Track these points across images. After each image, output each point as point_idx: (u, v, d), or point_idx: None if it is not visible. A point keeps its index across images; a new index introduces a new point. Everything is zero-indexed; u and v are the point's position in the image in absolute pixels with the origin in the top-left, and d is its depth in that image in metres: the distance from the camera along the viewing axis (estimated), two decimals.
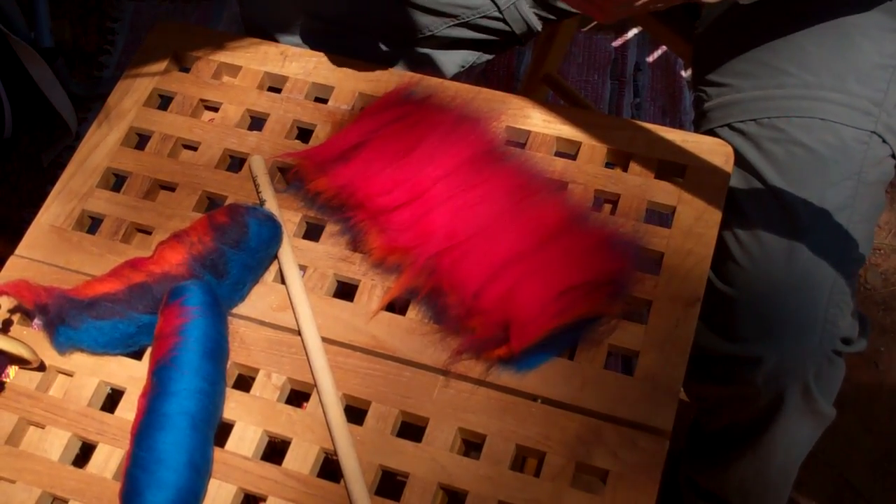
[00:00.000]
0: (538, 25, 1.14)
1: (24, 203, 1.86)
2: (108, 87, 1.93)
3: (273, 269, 0.93)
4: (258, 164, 0.98)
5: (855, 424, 1.55)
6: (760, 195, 0.99)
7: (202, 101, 1.06)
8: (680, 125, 1.86)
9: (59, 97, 1.85)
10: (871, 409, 1.57)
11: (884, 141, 0.99)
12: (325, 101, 1.04)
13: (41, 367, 0.89)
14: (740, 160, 1.00)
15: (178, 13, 2.11)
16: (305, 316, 0.89)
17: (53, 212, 0.99)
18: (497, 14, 1.11)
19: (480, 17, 1.11)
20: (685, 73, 1.93)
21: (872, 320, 1.65)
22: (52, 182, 1.02)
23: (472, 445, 0.86)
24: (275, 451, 0.87)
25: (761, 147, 1.00)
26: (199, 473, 0.80)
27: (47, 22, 1.86)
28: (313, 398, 0.86)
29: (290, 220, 0.95)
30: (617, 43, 2.00)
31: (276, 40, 1.12)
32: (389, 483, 0.84)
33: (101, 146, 1.02)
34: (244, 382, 0.89)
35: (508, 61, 1.98)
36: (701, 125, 1.07)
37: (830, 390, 1.06)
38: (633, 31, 2.01)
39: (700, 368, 1.05)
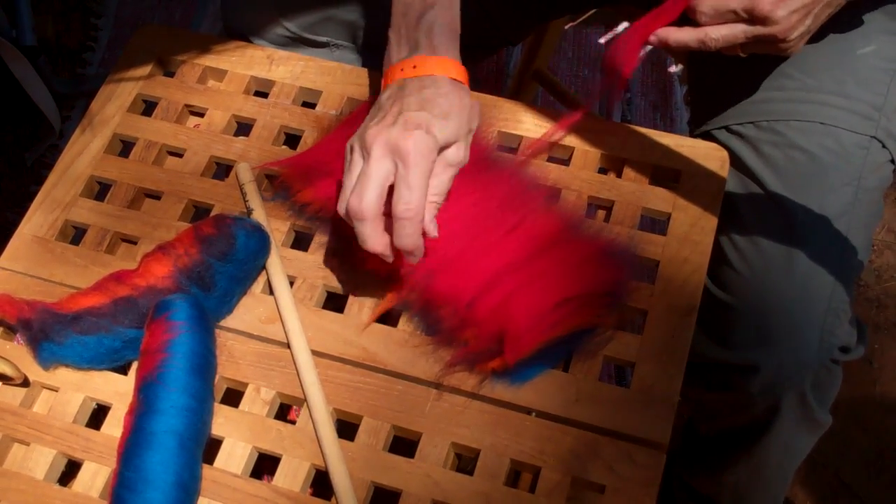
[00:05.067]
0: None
1: (9, 204, 1.83)
2: (91, 84, 1.91)
3: (261, 280, 0.91)
4: (245, 172, 0.96)
5: (849, 423, 1.54)
6: (758, 200, 0.98)
7: (187, 106, 1.03)
8: (671, 120, 1.84)
9: (42, 96, 1.82)
10: (865, 408, 1.57)
11: (883, 146, 0.97)
12: (312, 105, 1.03)
13: (25, 383, 0.88)
14: (738, 163, 0.98)
15: (161, 8, 2.09)
16: (294, 328, 0.87)
17: (36, 222, 0.96)
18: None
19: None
20: (675, 69, 1.91)
21: (866, 317, 1.64)
22: (37, 182, 1.00)
23: (465, 459, 0.85)
24: (265, 457, 0.85)
25: (760, 151, 0.98)
26: (187, 493, 0.78)
27: (29, 19, 1.83)
28: (303, 412, 0.85)
29: (279, 229, 0.94)
30: (606, 38, 1.98)
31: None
32: (382, 500, 0.82)
33: (84, 154, 1.00)
34: (233, 396, 0.87)
35: (498, 58, 1.96)
36: (698, 126, 1.06)
37: (827, 398, 1.05)
38: (622, 26, 1.99)
39: (695, 374, 1.03)
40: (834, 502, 1.50)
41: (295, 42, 1.12)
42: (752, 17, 0.82)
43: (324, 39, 1.12)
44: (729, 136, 1.01)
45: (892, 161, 0.99)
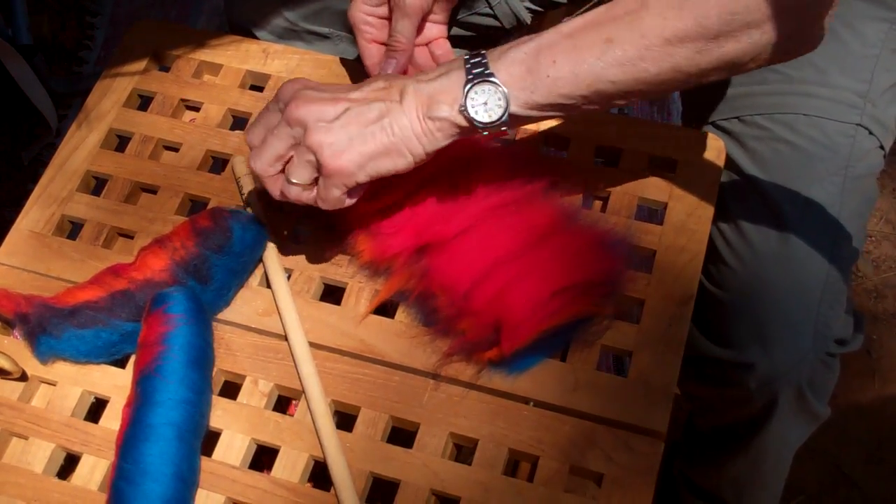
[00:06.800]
0: (528, 19, 1.12)
1: (5, 202, 1.83)
2: (88, 83, 1.91)
3: (258, 272, 0.91)
4: (241, 166, 0.96)
5: (848, 413, 1.54)
6: (747, 195, 0.98)
7: (183, 100, 1.03)
8: (668, 113, 1.84)
9: (39, 94, 1.82)
10: (864, 398, 1.57)
11: (870, 133, 0.97)
12: None
13: (23, 377, 0.88)
14: (725, 159, 0.98)
15: (157, 6, 2.08)
16: (292, 321, 0.87)
17: (33, 217, 0.96)
18: (488, 11, 1.09)
19: (471, 15, 1.09)
20: None
21: (865, 308, 1.64)
22: (34, 180, 1.00)
23: (464, 449, 0.85)
24: (264, 450, 0.85)
25: (746, 145, 0.98)
26: (185, 484, 0.79)
27: (25, 18, 1.84)
28: (301, 404, 0.85)
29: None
30: None
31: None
32: (381, 490, 0.82)
33: (80, 149, 1.00)
34: (231, 389, 0.87)
35: None
36: (686, 123, 1.06)
37: (824, 392, 1.05)
38: None
39: (693, 369, 1.03)
40: (833, 492, 1.50)
41: (298, 33, 1.12)
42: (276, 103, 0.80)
43: (325, 30, 1.12)
44: (715, 132, 1.01)
45: (882, 147, 0.99)
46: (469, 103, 0.75)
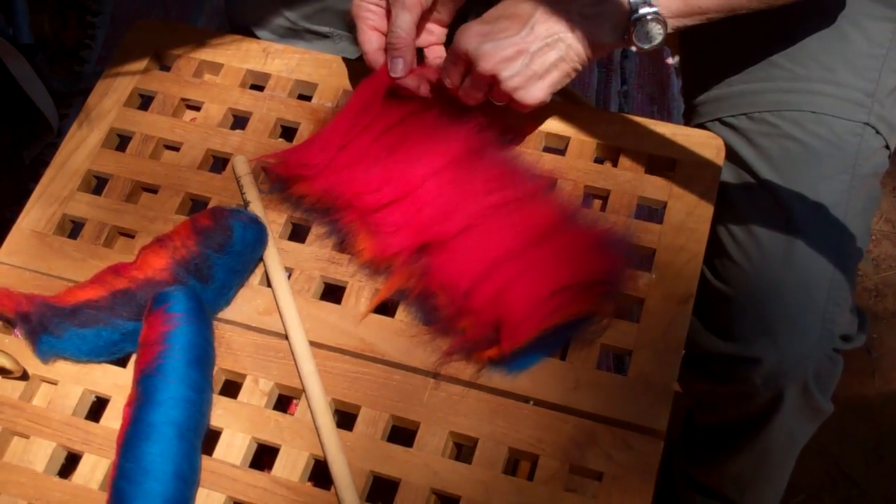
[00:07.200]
0: None
1: (7, 202, 1.83)
2: (89, 82, 1.91)
3: (259, 272, 0.91)
4: (241, 165, 0.96)
5: (848, 412, 1.54)
6: (754, 191, 0.98)
7: (183, 100, 1.04)
8: (668, 112, 1.84)
9: (40, 94, 1.82)
10: (864, 397, 1.57)
11: (877, 132, 0.97)
12: (308, 98, 1.03)
13: (24, 377, 0.88)
14: (732, 155, 0.98)
15: (158, 6, 2.08)
16: (292, 319, 0.87)
17: (34, 216, 0.97)
18: None
19: None
20: (672, 60, 1.91)
21: (864, 307, 1.64)
22: (35, 180, 1.00)
23: (464, 448, 0.85)
24: (265, 449, 0.85)
25: (753, 142, 0.98)
26: (186, 483, 0.79)
27: (26, 18, 1.84)
28: (302, 403, 0.85)
29: (276, 221, 0.94)
30: None
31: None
32: (381, 489, 0.82)
33: (81, 148, 1.00)
34: (231, 388, 0.87)
35: None
36: (691, 120, 1.06)
37: (829, 387, 1.05)
38: None
39: (697, 366, 1.03)
40: (833, 491, 1.50)
41: (298, 33, 1.12)
42: (460, 58, 0.89)
43: (325, 30, 1.12)
44: (722, 129, 1.01)
45: (887, 146, 0.99)
46: (635, 35, 0.86)
